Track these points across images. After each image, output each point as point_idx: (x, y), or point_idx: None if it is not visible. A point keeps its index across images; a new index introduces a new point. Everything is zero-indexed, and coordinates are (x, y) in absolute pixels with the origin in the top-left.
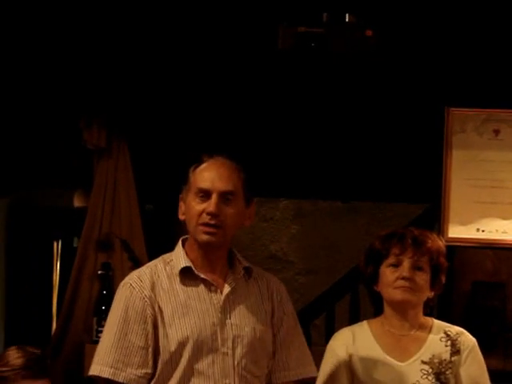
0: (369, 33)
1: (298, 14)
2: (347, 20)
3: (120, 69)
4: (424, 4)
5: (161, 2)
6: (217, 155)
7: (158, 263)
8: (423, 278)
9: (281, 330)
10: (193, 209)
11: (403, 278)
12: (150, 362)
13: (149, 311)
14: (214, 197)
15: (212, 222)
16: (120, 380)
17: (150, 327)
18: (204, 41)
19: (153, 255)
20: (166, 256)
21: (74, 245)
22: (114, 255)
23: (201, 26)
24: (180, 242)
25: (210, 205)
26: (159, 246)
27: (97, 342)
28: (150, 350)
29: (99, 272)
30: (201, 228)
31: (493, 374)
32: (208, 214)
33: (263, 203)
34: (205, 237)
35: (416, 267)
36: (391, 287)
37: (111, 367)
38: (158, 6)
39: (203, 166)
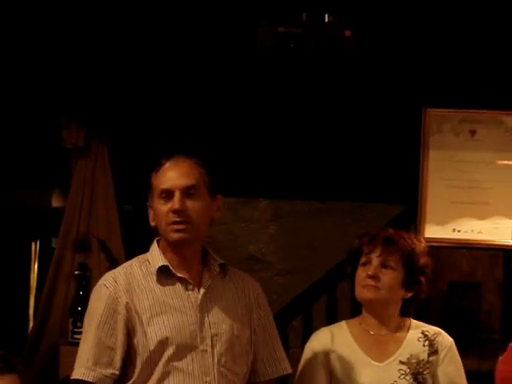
0: (348, 33)
1: (278, 14)
2: (326, 20)
3: (99, 69)
4: (402, 6)
5: (140, 4)
6: (175, 155)
7: (133, 263)
8: (391, 277)
9: (258, 328)
10: (159, 211)
11: (369, 277)
12: (118, 364)
13: (122, 312)
14: (177, 194)
15: (179, 219)
16: (90, 379)
17: (121, 328)
18: (183, 41)
19: (130, 256)
20: (141, 256)
21: (53, 245)
22: (91, 255)
23: (180, 26)
24: (155, 243)
25: (174, 203)
26: (137, 247)
27: (72, 344)
28: (119, 351)
29: (76, 272)
30: (170, 227)
31: (468, 374)
32: (174, 212)
33: (242, 204)
34: (175, 235)
35: (384, 266)
36: (360, 286)
37: (84, 367)
38: (138, 8)
39: (163, 168)
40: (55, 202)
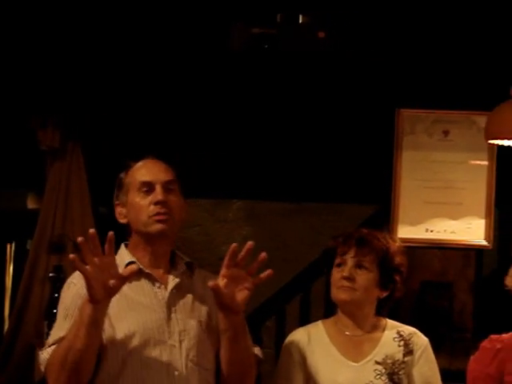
0: (321, 34)
1: (252, 15)
2: (300, 21)
3: (74, 71)
4: (376, 7)
5: (114, 7)
6: (146, 156)
7: None
8: (366, 278)
9: None
10: (139, 204)
11: (344, 278)
12: None
13: None
14: (158, 187)
15: (162, 210)
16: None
17: None
18: (156, 43)
19: None
20: None
21: (28, 247)
22: (66, 257)
23: (153, 28)
24: (122, 245)
25: (157, 194)
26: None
27: None
28: None
29: (51, 274)
30: (152, 219)
31: (440, 372)
32: (156, 203)
33: (216, 205)
34: (158, 226)
35: (358, 266)
36: (335, 287)
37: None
38: (112, 11)
39: (136, 166)
40: (30, 204)
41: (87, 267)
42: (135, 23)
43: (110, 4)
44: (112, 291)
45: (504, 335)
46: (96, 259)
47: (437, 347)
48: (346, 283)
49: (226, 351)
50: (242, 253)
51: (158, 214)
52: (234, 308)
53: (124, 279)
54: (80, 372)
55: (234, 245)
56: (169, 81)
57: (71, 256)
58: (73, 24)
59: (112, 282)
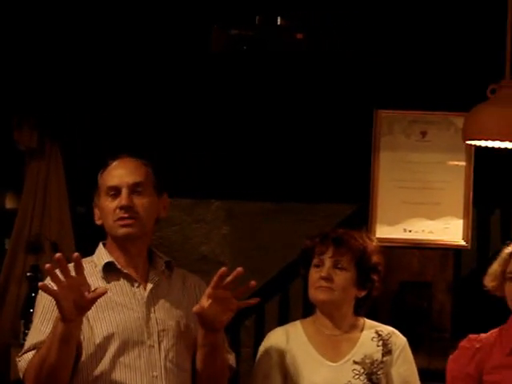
0: (300, 36)
1: (231, 17)
2: (279, 23)
3: (53, 70)
4: (353, 8)
5: (96, 7)
6: (121, 155)
7: None
8: (344, 277)
9: None
10: (106, 208)
11: (322, 278)
12: None
13: None
14: (124, 191)
15: (126, 215)
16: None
17: None
18: (137, 43)
19: (83, 257)
20: (87, 258)
21: (5, 246)
22: (43, 257)
23: (134, 29)
24: (100, 244)
25: (121, 199)
26: (90, 249)
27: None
28: None
29: (28, 274)
30: (117, 223)
31: (418, 372)
32: (121, 208)
33: (195, 204)
34: (122, 230)
35: (337, 266)
36: (313, 287)
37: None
38: (92, 10)
39: (109, 167)
40: (8, 204)
41: (55, 289)
42: (118, 23)
43: (92, 6)
44: (83, 310)
45: (482, 335)
46: (65, 280)
47: (415, 347)
48: (324, 283)
49: (201, 363)
50: (230, 277)
51: (121, 218)
52: (215, 327)
53: (93, 301)
54: (56, 382)
55: (223, 269)
56: (148, 80)
57: (40, 284)
58: (50, 24)
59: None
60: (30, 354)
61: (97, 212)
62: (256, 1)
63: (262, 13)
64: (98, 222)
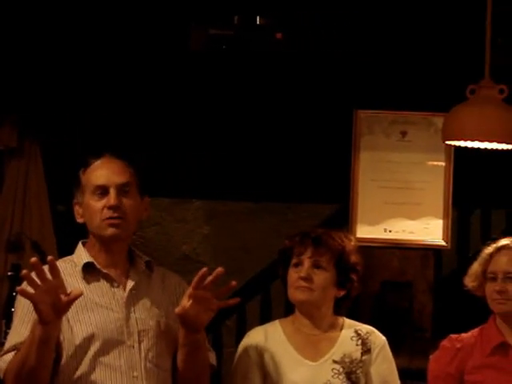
0: (279, 35)
1: (210, 17)
2: (258, 23)
3: (31, 69)
4: (333, 8)
5: (75, 6)
6: (106, 154)
7: (58, 263)
8: (323, 277)
9: None
10: (93, 207)
11: (302, 278)
12: None
13: None
14: (112, 190)
15: (115, 214)
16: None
17: None
18: (116, 42)
19: (64, 256)
20: (66, 258)
21: None
22: (24, 256)
23: (113, 28)
24: (80, 244)
25: (110, 199)
26: (70, 247)
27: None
28: None
29: (9, 273)
30: (105, 222)
31: (399, 371)
32: (109, 207)
33: (175, 204)
34: (110, 230)
35: (316, 266)
36: (292, 287)
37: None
38: (73, 9)
39: (93, 165)
40: None
41: (33, 292)
42: (98, 23)
43: (74, 7)
44: (61, 313)
45: (463, 335)
46: (42, 284)
47: (397, 346)
48: (303, 283)
49: (182, 362)
50: (211, 277)
51: (110, 218)
52: (196, 327)
53: (70, 303)
54: (36, 382)
55: (204, 269)
56: (127, 80)
57: (18, 288)
58: (31, 24)
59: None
60: (10, 355)
61: (78, 210)
62: (235, 0)
63: (241, 12)
64: (80, 220)
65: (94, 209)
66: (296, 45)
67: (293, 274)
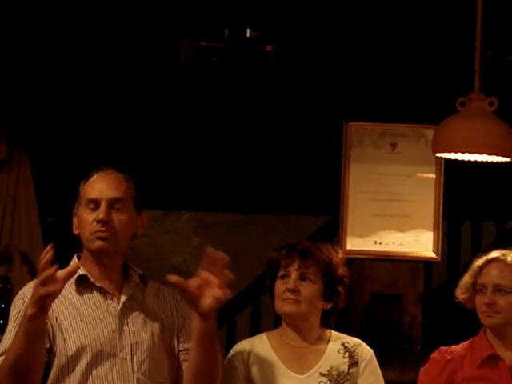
0: (269, 47)
1: (200, 29)
2: (248, 35)
3: (20, 80)
4: (323, 20)
5: (63, 18)
6: (104, 168)
7: None
8: (311, 290)
9: (180, 336)
10: (84, 220)
11: (289, 290)
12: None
13: None
14: (103, 205)
15: (103, 228)
16: None
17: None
18: (106, 54)
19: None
20: (59, 271)
21: None
22: (13, 268)
23: (103, 40)
24: (75, 257)
25: (99, 213)
26: (60, 259)
27: None
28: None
29: None
30: (93, 236)
31: None
32: (98, 221)
33: (165, 216)
34: (97, 243)
35: (303, 278)
36: (279, 299)
37: None
38: (60, 20)
39: (92, 178)
40: None
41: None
42: (88, 36)
43: (64, 20)
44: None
45: (453, 347)
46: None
47: (387, 359)
48: (290, 295)
49: (203, 356)
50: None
51: (98, 231)
52: (203, 310)
53: (65, 279)
54: (27, 379)
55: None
56: (118, 92)
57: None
58: (18, 34)
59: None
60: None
61: (75, 221)
62: (225, 13)
63: (231, 25)
64: (76, 232)
65: (85, 221)
66: (286, 57)
67: (280, 286)
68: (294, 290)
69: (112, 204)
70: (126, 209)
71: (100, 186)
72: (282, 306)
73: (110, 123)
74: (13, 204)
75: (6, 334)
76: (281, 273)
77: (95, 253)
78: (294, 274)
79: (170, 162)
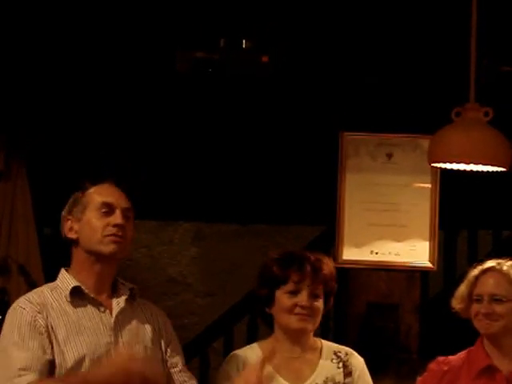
0: (265, 58)
1: (196, 40)
2: (244, 46)
3: (18, 92)
4: (318, 31)
5: (59, 26)
6: (105, 180)
7: (43, 289)
8: (320, 305)
9: (168, 351)
10: (95, 223)
11: (302, 307)
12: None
13: (43, 325)
14: (119, 211)
15: (119, 233)
16: None
17: (46, 338)
18: (102, 65)
19: (50, 279)
20: (50, 284)
21: None
22: (10, 279)
23: (98, 50)
24: (63, 270)
25: (117, 217)
26: (57, 270)
27: None
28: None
29: None
30: (107, 238)
31: None
32: (115, 225)
33: (162, 226)
34: (112, 246)
35: (313, 295)
36: (288, 314)
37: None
38: (56, 29)
39: (97, 186)
40: None
41: None
42: (83, 45)
43: (60, 27)
44: None
45: (450, 357)
46: None
47: (383, 368)
48: (304, 312)
49: None
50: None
51: (114, 235)
52: None
53: None
54: None
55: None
56: (114, 103)
57: None
58: (16, 42)
59: None
60: (25, 378)
61: (72, 225)
62: (221, 23)
63: (226, 35)
64: (73, 236)
65: (95, 225)
66: (282, 67)
67: (288, 300)
68: (309, 307)
69: (125, 213)
70: (132, 219)
71: (113, 193)
72: (293, 322)
73: (107, 134)
74: (10, 215)
75: (14, 346)
76: (290, 287)
77: (104, 257)
78: (305, 290)
79: (167, 172)
